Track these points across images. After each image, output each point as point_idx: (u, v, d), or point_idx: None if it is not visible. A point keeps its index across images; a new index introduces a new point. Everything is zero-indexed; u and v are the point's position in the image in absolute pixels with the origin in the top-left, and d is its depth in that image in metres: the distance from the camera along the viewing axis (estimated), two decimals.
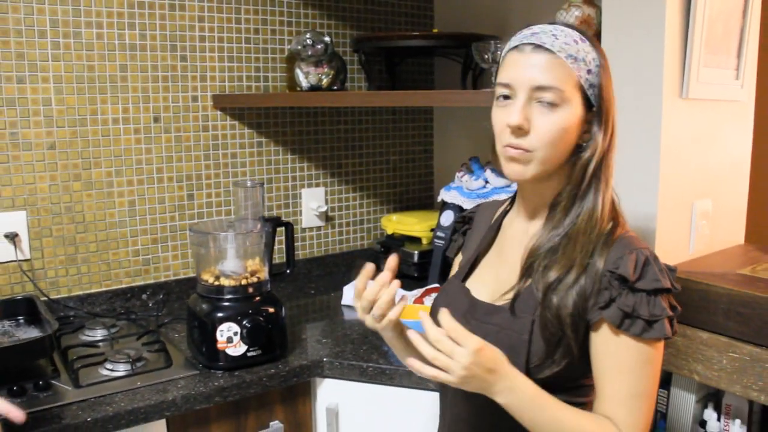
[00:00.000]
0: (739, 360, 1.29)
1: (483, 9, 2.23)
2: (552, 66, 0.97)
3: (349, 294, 1.94)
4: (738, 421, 1.40)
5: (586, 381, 1.02)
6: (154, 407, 1.34)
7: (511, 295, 1.03)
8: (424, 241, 2.14)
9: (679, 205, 1.48)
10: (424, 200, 2.51)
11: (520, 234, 1.09)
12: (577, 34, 1.00)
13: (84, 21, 1.76)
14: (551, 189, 1.05)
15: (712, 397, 1.47)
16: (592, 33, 1.54)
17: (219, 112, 2.01)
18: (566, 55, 0.97)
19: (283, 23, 2.10)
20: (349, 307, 1.92)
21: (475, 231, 1.23)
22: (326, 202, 2.26)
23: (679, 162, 1.45)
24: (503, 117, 1.00)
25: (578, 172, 1.01)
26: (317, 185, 2.24)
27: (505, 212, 1.17)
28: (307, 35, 1.89)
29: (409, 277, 2.12)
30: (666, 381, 1.50)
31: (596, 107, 1.00)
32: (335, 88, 1.97)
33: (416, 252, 2.10)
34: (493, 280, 1.10)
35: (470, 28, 2.20)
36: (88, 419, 1.27)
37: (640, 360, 0.96)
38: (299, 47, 1.89)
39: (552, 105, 0.97)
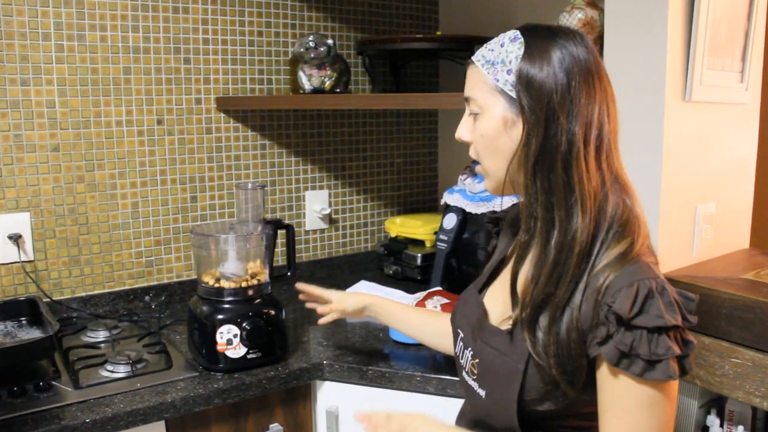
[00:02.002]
0: (741, 366, 1.27)
1: (487, 11, 2.23)
2: (472, 76, 1.00)
3: None
4: (741, 428, 1.38)
5: (593, 408, 0.94)
6: (154, 409, 1.34)
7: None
8: (428, 244, 2.13)
9: (682, 208, 1.46)
10: (428, 203, 2.51)
11: None
12: (513, 33, 0.97)
13: (88, 24, 1.77)
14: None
15: (715, 403, 1.45)
16: (595, 35, 1.54)
17: (222, 115, 2.02)
18: (484, 62, 0.98)
19: (286, 26, 2.11)
20: None
21: (502, 235, 1.19)
22: (330, 205, 2.26)
23: (682, 165, 1.44)
24: None
25: (528, 181, 0.94)
26: (321, 188, 2.24)
27: None
28: (310, 38, 1.89)
29: (412, 280, 2.12)
30: None
31: (528, 104, 0.92)
32: (338, 90, 1.97)
33: (419, 255, 2.10)
34: (504, 297, 1.03)
35: (475, 31, 2.20)
36: (87, 420, 1.27)
37: (643, 401, 0.87)
38: (302, 50, 1.90)
39: (477, 114, 0.99)
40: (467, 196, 1.88)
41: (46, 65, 1.73)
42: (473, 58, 1.01)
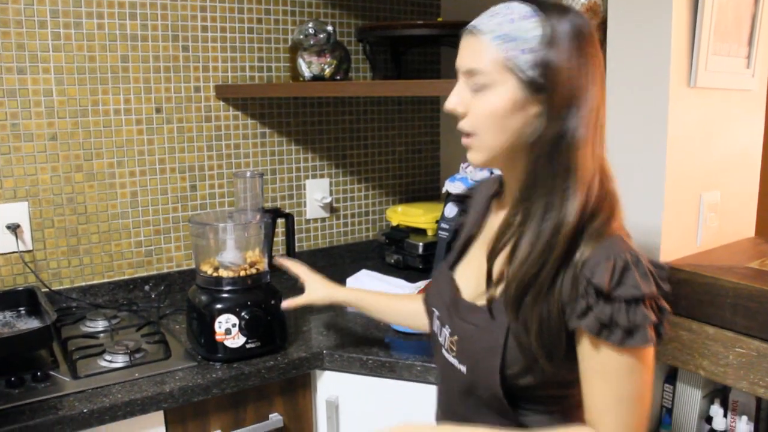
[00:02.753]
0: (746, 355, 1.26)
1: None
2: (478, 49, 0.94)
3: (352, 286, 1.92)
4: (745, 418, 1.37)
5: (565, 385, 0.98)
6: (152, 399, 1.33)
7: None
8: (429, 233, 2.12)
9: (686, 196, 1.44)
10: (430, 191, 2.49)
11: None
12: (524, 9, 0.94)
13: (85, 11, 1.75)
14: (514, 177, 1.00)
15: (719, 393, 1.44)
16: (598, 21, 1.51)
17: (222, 103, 2.00)
18: (495, 36, 0.93)
19: (286, 13, 2.08)
20: None
21: (471, 212, 1.19)
22: (331, 193, 2.25)
23: (687, 153, 1.42)
24: None
25: (531, 160, 0.95)
26: (321, 176, 2.22)
27: (497, 193, 1.12)
28: (310, 24, 1.87)
29: (413, 269, 2.11)
30: (672, 376, 1.48)
31: (543, 87, 0.92)
32: (338, 77, 1.95)
33: (421, 244, 2.09)
34: (476, 274, 1.05)
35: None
36: (85, 410, 1.26)
37: (622, 368, 0.91)
38: (301, 37, 1.88)
39: (480, 88, 0.95)
40: (469, 184, 1.86)
41: (43, 53, 1.71)
42: (478, 27, 0.96)
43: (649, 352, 0.92)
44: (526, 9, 0.94)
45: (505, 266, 0.97)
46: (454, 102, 0.98)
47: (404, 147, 2.40)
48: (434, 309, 1.12)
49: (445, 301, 1.09)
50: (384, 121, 2.34)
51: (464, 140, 1.00)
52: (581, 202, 0.91)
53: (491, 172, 1.85)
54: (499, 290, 0.98)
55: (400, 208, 2.22)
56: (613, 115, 1.44)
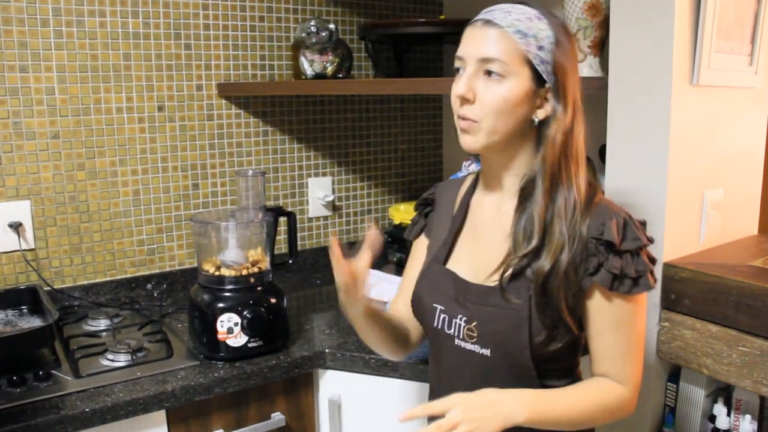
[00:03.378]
0: (749, 354, 1.25)
1: None
2: (498, 39, 1.02)
3: None
4: (749, 417, 1.36)
5: (580, 345, 1.10)
6: (154, 398, 1.33)
7: (498, 275, 1.05)
8: None
9: (689, 194, 1.44)
10: None
11: (493, 211, 1.12)
12: (536, 12, 1.04)
13: (87, 9, 1.75)
14: (513, 161, 1.08)
15: (722, 392, 1.44)
16: (601, 18, 1.51)
17: (224, 101, 2.00)
18: (514, 30, 1.01)
19: (288, 11, 2.08)
20: None
21: (439, 213, 1.23)
22: (333, 192, 2.24)
23: (690, 150, 1.41)
24: (453, 88, 1.06)
25: (547, 147, 1.04)
26: (324, 174, 2.22)
27: (472, 191, 1.19)
28: (312, 22, 1.87)
29: None
30: (675, 375, 1.47)
31: (551, 83, 1.03)
32: (340, 75, 1.94)
33: None
34: (474, 261, 1.12)
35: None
36: (87, 410, 1.26)
37: (630, 315, 1.04)
38: (303, 35, 1.87)
39: (496, 76, 1.02)
40: None
41: (45, 52, 1.71)
42: (497, 21, 1.03)
43: (645, 296, 1.06)
44: (535, 11, 1.04)
45: (519, 244, 1.05)
46: (465, 88, 1.03)
47: (407, 145, 2.40)
48: (436, 305, 1.13)
49: (448, 293, 1.11)
50: (386, 120, 2.34)
51: (463, 124, 1.05)
52: (586, 179, 1.06)
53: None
54: (517, 266, 1.04)
55: (402, 207, 2.22)
56: (615, 113, 1.43)
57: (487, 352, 1.06)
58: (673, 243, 1.42)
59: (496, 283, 1.06)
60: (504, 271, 1.05)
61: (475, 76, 1.03)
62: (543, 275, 1.02)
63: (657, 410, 1.49)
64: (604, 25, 1.51)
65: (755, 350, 1.24)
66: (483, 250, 1.11)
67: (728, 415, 1.40)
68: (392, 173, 2.38)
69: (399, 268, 2.13)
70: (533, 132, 1.06)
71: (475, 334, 1.07)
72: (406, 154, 2.41)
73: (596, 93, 1.44)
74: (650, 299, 1.34)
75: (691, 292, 1.35)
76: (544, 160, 1.04)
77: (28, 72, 1.70)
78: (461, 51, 1.06)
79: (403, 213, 2.19)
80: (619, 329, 1.04)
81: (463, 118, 1.05)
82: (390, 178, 2.38)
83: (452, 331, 1.10)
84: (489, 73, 1.02)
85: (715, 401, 1.42)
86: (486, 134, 1.04)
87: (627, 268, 1.01)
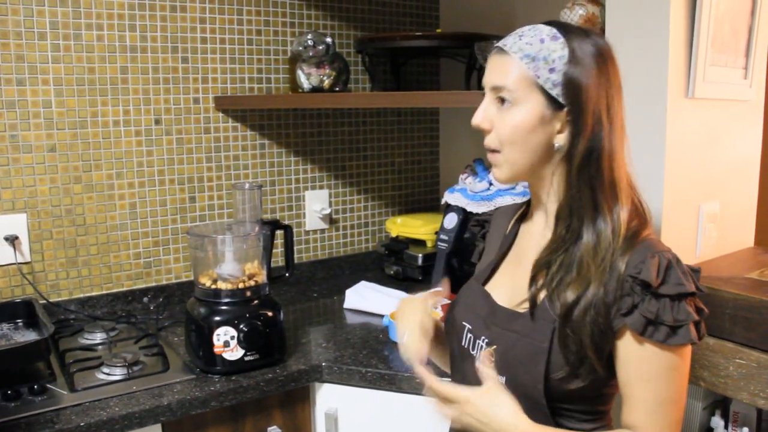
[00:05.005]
0: (746, 366, 1.25)
1: (488, 9, 2.21)
2: (505, 66, 1.00)
3: (351, 297, 1.92)
4: (746, 429, 1.36)
5: (609, 390, 1.01)
6: (149, 412, 1.32)
7: (528, 303, 1.02)
8: (429, 244, 2.12)
9: (685, 207, 1.44)
10: (429, 203, 2.49)
11: (537, 237, 1.08)
12: (551, 31, 1.00)
13: (84, 23, 1.76)
14: (552, 187, 1.04)
15: (720, 405, 1.43)
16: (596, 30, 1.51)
17: (221, 114, 2.00)
18: (522, 55, 0.98)
19: (285, 24, 2.09)
20: (352, 310, 1.90)
21: (493, 235, 1.22)
22: (330, 205, 2.24)
23: (685, 163, 1.42)
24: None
25: (571, 174, 1.00)
26: (321, 187, 2.22)
27: (523, 215, 1.16)
28: (309, 36, 1.88)
29: (412, 280, 2.11)
30: None
31: (569, 106, 0.98)
32: (337, 89, 1.95)
33: (420, 255, 2.08)
34: (512, 286, 1.09)
35: (476, 28, 2.18)
36: (82, 424, 1.25)
37: (665, 367, 0.94)
38: (300, 48, 1.88)
39: (506, 104, 1.00)
40: (468, 195, 1.86)
41: (42, 65, 1.71)
42: (506, 47, 1.01)
43: (689, 351, 0.96)
44: (552, 31, 1.00)
45: (552, 274, 1.00)
46: (480, 118, 1.03)
47: (403, 158, 2.41)
48: (465, 323, 1.11)
49: (478, 314, 1.09)
50: (383, 133, 2.34)
51: (490, 157, 1.05)
52: (629, 210, 0.98)
53: (489, 183, 1.85)
54: (542, 295, 1.00)
55: (399, 220, 2.22)
56: None
57: (502, 379, 1.01)
58: None
59: (526, 309, 1.02)
60: (532, 300, 1.01)
61: (492, 105, 1.02)
62: (566, 307, 0.96)
63: None
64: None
65: (752, 363, 1.24)
66: (522, 275, 1.06)
67: (725, 427, 1.40)
68: (389, 186, 2.38)
69: (396, 281, 2.13)
70: (564, 157, 1.01)
71: (494, 359, 1.02)
72: (403, 167, 2.41)
73: None
74: None
75: None
76: (568, 188, 1.00)
77: (25, 85, 1.70)
78: (483, 80, 1.05)
79: (400, 226, 2.19)
80: (652, 381, 0.94)
81: (488, 149, 1.04)
82: (387, 191, 2.38)
83: (474, 351, 1.08)
84: (502, 101, 1.00)
85: (712, 414, 1.42)
86: (508, 165, 1.02)
87: (664, 314, 0.91)
